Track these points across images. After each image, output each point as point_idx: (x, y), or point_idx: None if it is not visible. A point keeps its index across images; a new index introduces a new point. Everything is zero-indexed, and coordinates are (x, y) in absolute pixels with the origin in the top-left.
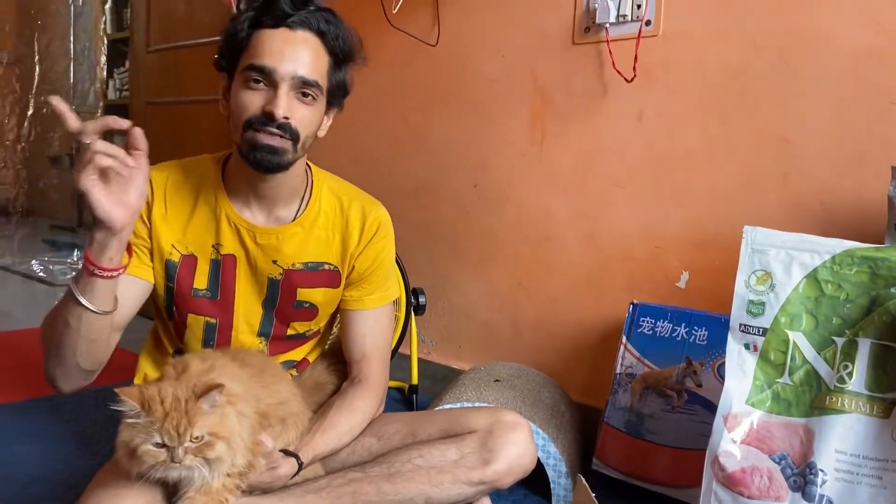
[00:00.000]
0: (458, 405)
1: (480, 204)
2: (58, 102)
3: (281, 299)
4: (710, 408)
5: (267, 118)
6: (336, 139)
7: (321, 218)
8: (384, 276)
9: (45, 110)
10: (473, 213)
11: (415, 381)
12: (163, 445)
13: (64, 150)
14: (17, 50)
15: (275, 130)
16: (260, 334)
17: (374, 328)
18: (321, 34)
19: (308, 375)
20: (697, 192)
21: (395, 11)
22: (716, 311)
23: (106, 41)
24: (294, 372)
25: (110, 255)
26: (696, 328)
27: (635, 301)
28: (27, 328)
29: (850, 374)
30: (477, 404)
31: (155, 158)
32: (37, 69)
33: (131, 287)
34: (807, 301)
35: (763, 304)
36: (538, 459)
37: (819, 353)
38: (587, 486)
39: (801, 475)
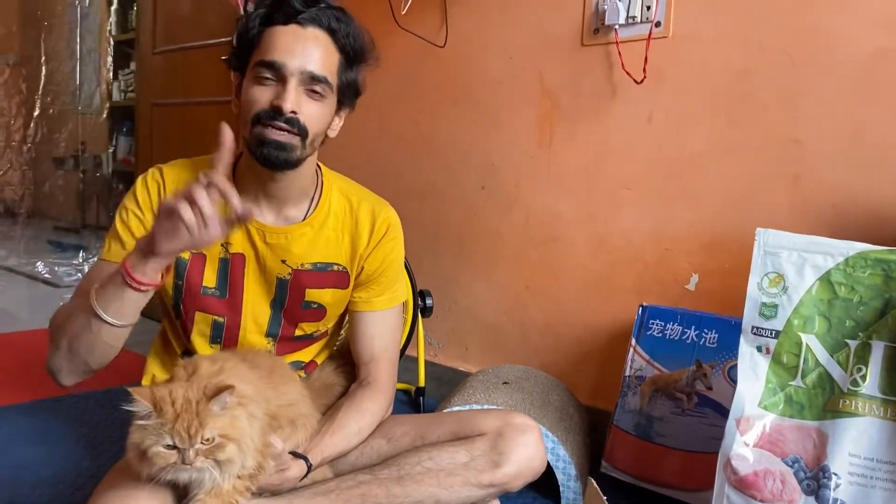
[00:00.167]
0: (467, 407)
1: (488, 205)
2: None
3: (289, 299)
4: (721, 411)
5: (275, 112)
6: (344, 140)
7: (331, 218)
8: (393, 278)
9: (51, 111)
10: (481, 215)
11: (422, 383)
12: (173, 447)
13: (69, 151)
14: (24, 51)
15: (283, 125)
16: (268, 334)
17: (382, 330)
18: (331, 31)
19: (316, 377)
20: (707, 193)
21: (403, 13)
22: (726, 313)
23: (112, 42)
24: (302, 373)
25: (150, 271)
26: (706, 331)
27: (644, 303)
28: (32, 329)
29: (863, 377)
30: (486, 407)
31: (160, 160)
32: (43, 70)
33: None
34: (820, 303)
35: (776, 306)
36: (547, 462)
37: (832, 356)
38: (598, 489)
39: (815, 479)
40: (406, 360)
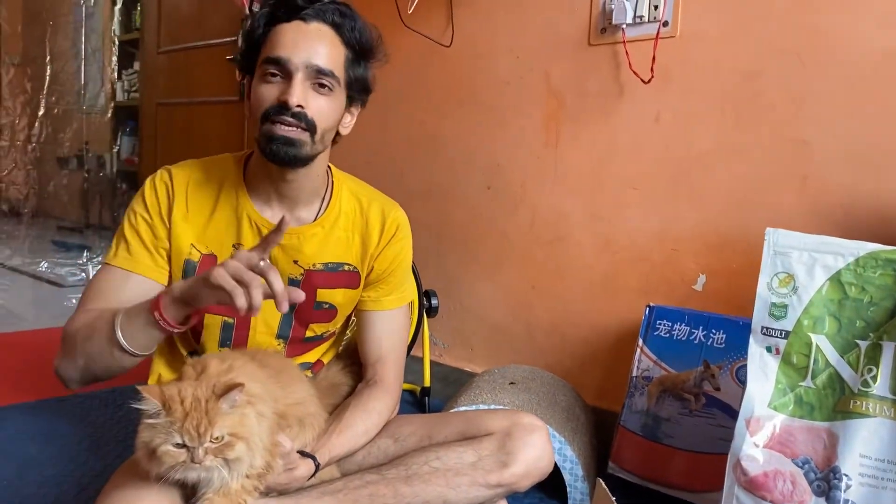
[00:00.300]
0: (474, 407)
1: (494, 206)
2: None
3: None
4: (729, 411)
5: (281, 107)
6: (348, 140)
7: (341, 219)
8: (402, 278)
9: (55, 111)
10: (486, 215)
11: (427, 383)
12: (183, 446)
13: (73, 151)
14: (29, 50)
15: (290, 120)
16: (279, 336)
17: (390, 329)
18: (336, 26)
19: (323, 377)
20: (714, 193)
21: (410, 12)
22: (733, 313)
23: (117, 42)
24: (309, 373)
25: (184, 317)
26: (713, 331)
27: (651, 304)
28: (37, 329)
29: (874, 378)
30: (493, 407)
31: (164, 159)
32: (48, 69)
33: (147, 289)
34: (830, 304)
35: (785, 306)
36: (554, 463)
37: (842, 357)
38: (607, 489)
39: (825, 480)
40: (411, 361)
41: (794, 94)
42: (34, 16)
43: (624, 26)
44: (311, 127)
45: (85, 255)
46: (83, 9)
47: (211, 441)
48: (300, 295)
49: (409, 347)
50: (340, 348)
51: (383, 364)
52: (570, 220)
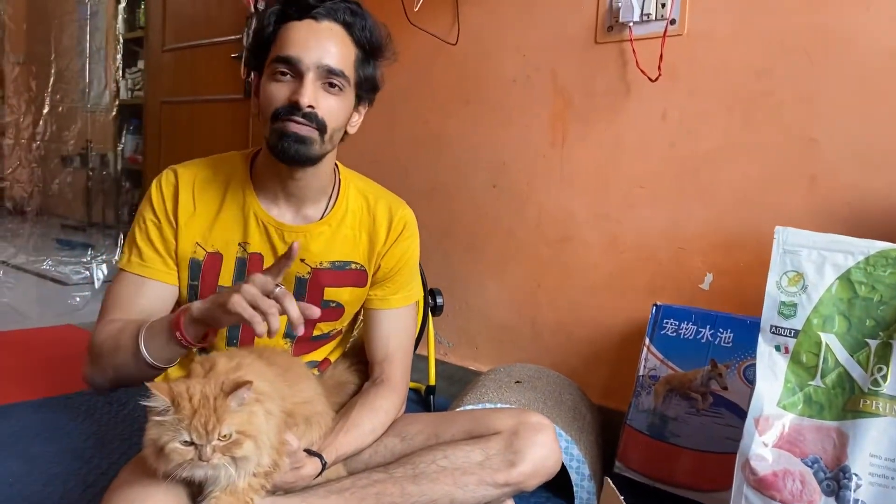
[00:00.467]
0: (480, 406)
1: (499, 204)
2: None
3: (308, 299)
4: (736, 411)
5: (292, 107)
6: (353, 138)
7: (348, 217)
8: (409, 276)
9: (60, 109)
10: (492, 214)
11: (432, 381)
12: (191, 443)
13: (77, 149)
14: (33, 48)
15: (301, 119)
16: (286, 335)
17: (397, 328)
18: (347, 25)
19: (329, 375)
20: (722, 192)
21: (416, 10)
22: (740, 312)
23: (122, 40)
24: (315, 372)
25: (199, 336)
26: (721, 330)
27: (658, 302)
28: (41, 327)
29: (884, 377)
30: (499, 405)
31: (168, 158)
32: (53, 68)
33: (163, 293)
34: (840, 302)
35: (795, 305)
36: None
37: (852, 356)
38: (615, 489)
39: (835, 479)
40: (416, 359)
41: (802, 93)
42: (39, 14)
43: (631, 24)
44: (321, 127)
45: (89, 253)
46: (87, 7)
47: (219, 439)
48: (315, 312)
49: (415, 346)
50: (347, 347)
51: (390, 363)
52: (576, 218)
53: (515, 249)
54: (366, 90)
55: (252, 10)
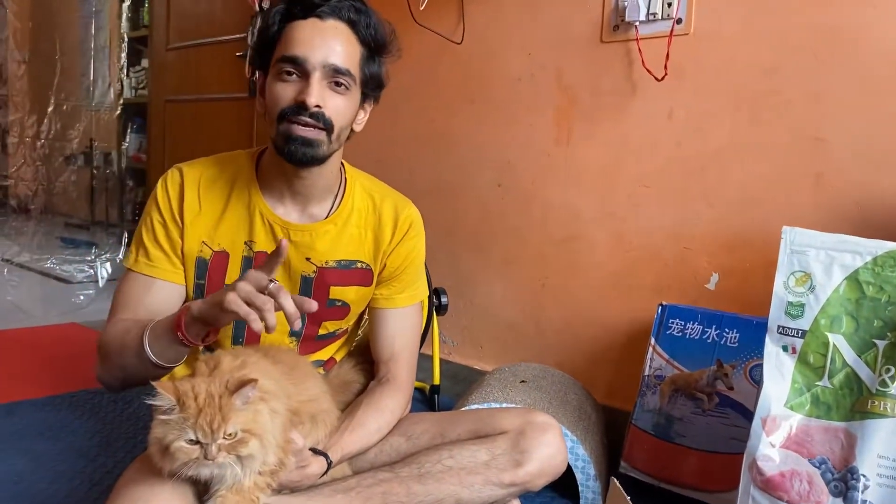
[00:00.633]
0: (486, 405)
1: (504, 203)
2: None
3: (314, 297)
4: (742, 411)
5: (299, 107)
6: (358, 137)
7: (354, 215)
8: (414, 275)
9: (64, 107)
10: (497, 213)
11: (436, 381)
12: (196, 442)
13: (81, 148)
14: (38, 46)
15: (308, 120)
16: (292, 334)
17: (403, 327)
18: (352, 23)
19: (335, 374)
20: (728, 192)
21: (422, 9)
22: (746, 312)
23: (127, 38)
24: (321, 371)
25: (202, 335)
26: (727, 330)
27: (664, 302)
28: (46, 325)
29: (892, 378)
30: (504, 405)
31: (172, 156)
32: (58, 66)
33: (170, 293)
34: (847, 303)
35: (802, 305)
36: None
37: (860, 356)
38: (622, 489)
39: (843, 480)
40: (420, 359)
41: (809, 92)
42: (44, 12)
43: (637, 23)
44: (328, 126)
45: (93, 251)
46: (92, 5)
47: (224, 437)
48: (312, 305)
49: (419, 345)
50: (353, 346)
51: (396, 362)
52: (581, 217)
53: (520, 248)
54: (371, 88)
55: (257, 8)
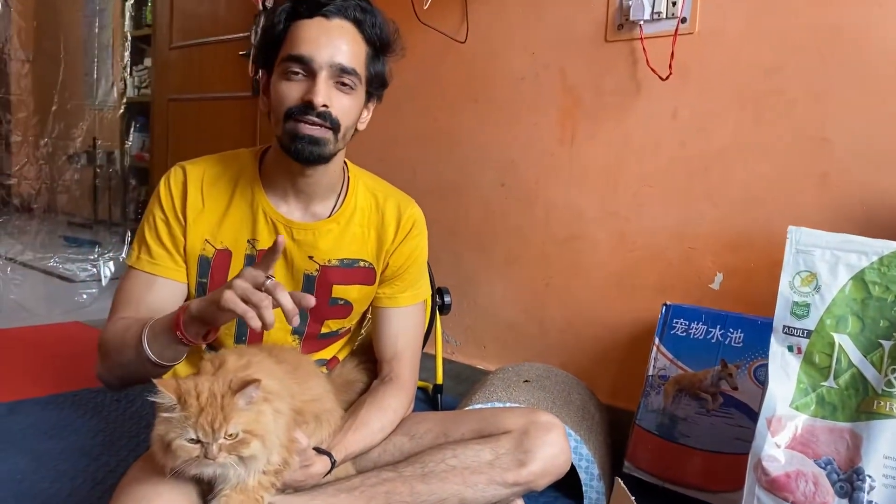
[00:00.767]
0: (489, 405)
1: (508, 203)
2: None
3: (316, 296)
4: (747, 411)
5: (306, 107)
6: (361, 136)
7: (357, 214)
8: (417, 274)
9: (68, 106)
10: (500, 213)
11: (439, 380)
12: (197, 441)
13: (84, 147)
14: (42, 46)
15: (315, 119)
16: (294, 332)
17: (406, 326)
18: (357, 23)
19: (338, 374)
20: (732, 191)
21: (425, 8)
22: (751, 312)
23: (130, 37)
24: (324, 370)
25: (201, 334)
26: (731, 330)
27: (668, 302)
28: (49, 323)
29: None
30: (508, 404)
31: (175, 155)
32: (62, 65)
33: (171, 291)
34: (853, 303)
35: (808, 305)
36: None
37: (865, 357)
38: (626, 489)
39: (848, 481)
40: (423, 358)
41: (814, 91)
42: (48, 11)
43: (641, 23)
44: (335, 126)
45: (96, 250)
46: (96, 4)
47: (225, 437)
48: (310, 300)
49: (422, 345)
50: (355, 345)
51: (399, 361)
52: (585, 217)
53: (523, 248)
54: (375, 87)
55: (260, 7)
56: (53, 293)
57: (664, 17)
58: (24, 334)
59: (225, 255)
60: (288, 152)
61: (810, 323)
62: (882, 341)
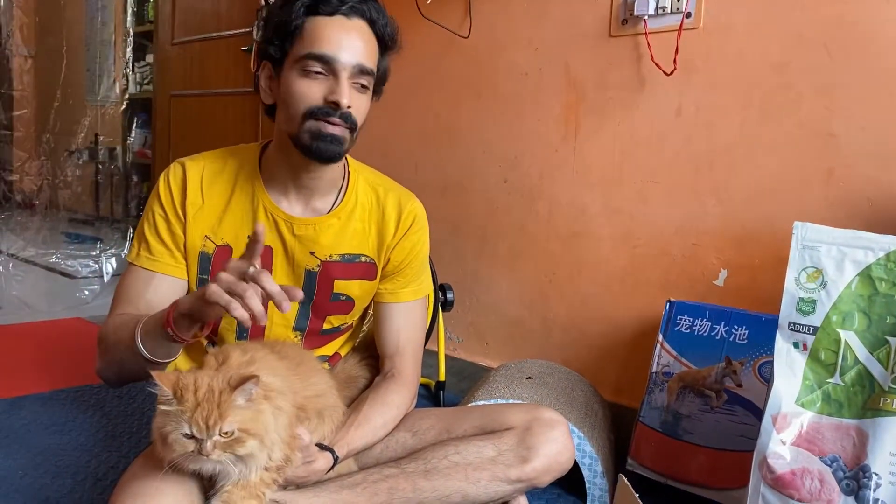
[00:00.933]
0: (492, 401)
1: (511, 199)
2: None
3: (318, 292)
4: (751, 408)
5: (330, 108)
6: (362, 131)
7: (358, 209)
8: (418, 270)
9: (70, 102)
10: (503, 209)
11: (442, 377)
12: (192, 436)
13: (86, 143)
14: (44, 41)
15: (338, 120)
16: (296, 329)
17: (407, 322)
18: (372, 22)
19: (340, 370)
20: (737, 188)
21: (428, 2)
22: (755, 309)
23: (132, 33)
24: (326, 366)
25: (193, 331)
26: (735, 327)
27: (672, 299)
28: (50, 319)
29: None
30: (511, 401)
31: (178, 152)
32: (63, 61)
33: (170, 287)
34: (860, 299)
35: (814, 301)
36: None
37: (872, 354)
38: (630, 486)
39: (854, 478)
40: (426, 355)
41: (820, 86)
42: (50, 7)
43: (646, 17)
44: (353, 126)
45: (98, 246)
46: (98, 0)
47: (220, 435)
48: (298, 294)
49: (424, 341)
50: (357, 341)
51: (401, 357)
52: (588, 213)
53: (527, 244)
54: (380, 84)
55: (262, 2)
56: (55, 289)
57: (669, 11)
58: (26, 330)
59: (225, 252)
60: (306, 151)
61: (816, 319)
62: (889, 338)
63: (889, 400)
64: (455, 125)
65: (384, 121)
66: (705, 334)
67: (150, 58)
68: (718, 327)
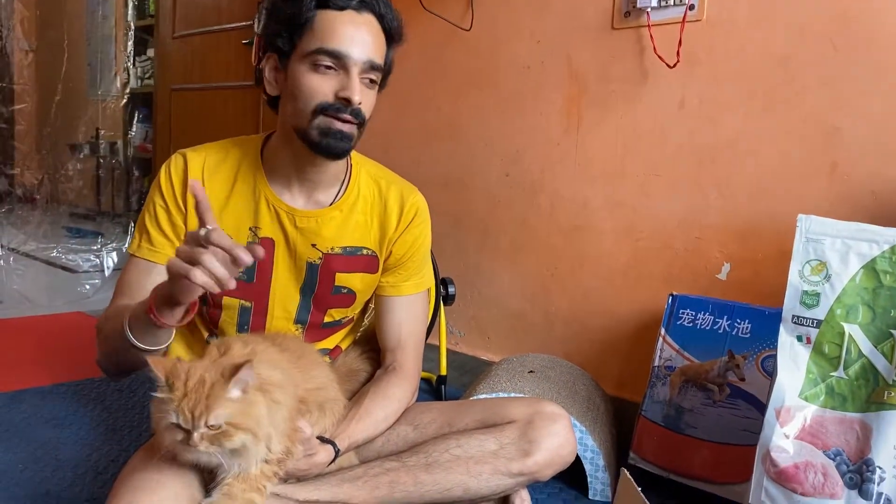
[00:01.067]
0: (494, 395)
1: (512, 193)
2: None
3: (319, 285)
4: (754, 402)
5: (342, 104)
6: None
7: (360, 202)
8: (420, 263)
9: (71, 96)
10: (505, 203)
11: (443, 371)
12: (180, 426)
13: (87, 137)
14: (45, 35)
15: (348, 117)
16: (297, 321)
17: (409, 315)
18: (381, 17)
19: (341, 363)
20: (741, 180)
21: None
22: (758, 303)
23: (133, 27)
24: (327, 359)
25: (177, 313)
26: (738, 321)
27: (675, 292)
28: (51, 313)
29: None
30: (513, 395)
31: (179, 146)
32: (65, 55)
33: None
34: (864, 292)
35: (818, 294)
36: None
37: (876, 347)
38: (632, 480)
39: (858, 472)
40: (427, 349)
41: (825, 80)
42: (51, 1)
43: (649, 10)
44: (362, 122)
45: (99, 241)
46: None
47: (207, 427)
48: (259, 251)
49: (426, 335)
50: (358, 334)
51: (402, 350)
52: (590, 207)
53: (528, 238)
54: (385, 76)
55: None
56: (56, 283)
57: (672, 3)
58: (27, 324)
59: None
60: (315, 146)
61: (820, 312)
62: (893, 331)
63: (893, 393)
64: (457, 118)
65: (386, 114)
66: (708, 328)
67: (151, 52)
68: (721, 321)
